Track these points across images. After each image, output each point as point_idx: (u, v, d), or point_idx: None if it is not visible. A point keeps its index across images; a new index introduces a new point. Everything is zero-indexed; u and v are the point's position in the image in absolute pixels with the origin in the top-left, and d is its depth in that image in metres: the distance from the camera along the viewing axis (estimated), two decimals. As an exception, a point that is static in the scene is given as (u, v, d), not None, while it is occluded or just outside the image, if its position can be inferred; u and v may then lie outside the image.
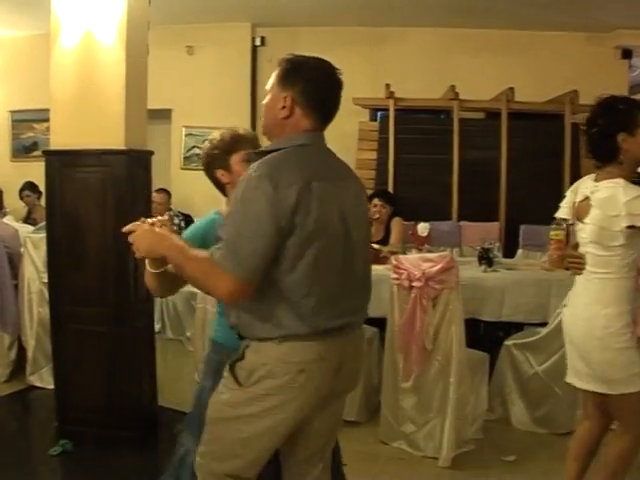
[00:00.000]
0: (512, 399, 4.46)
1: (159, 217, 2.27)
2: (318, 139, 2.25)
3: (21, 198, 7.68)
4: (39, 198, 7.51)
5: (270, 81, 2.27)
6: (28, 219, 7.36)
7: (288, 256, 2.07)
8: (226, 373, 2.22)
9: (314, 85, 2.20)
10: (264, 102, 2.28)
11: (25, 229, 5.77)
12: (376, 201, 6.07)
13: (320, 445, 2.38)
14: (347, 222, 2.19)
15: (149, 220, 2.23)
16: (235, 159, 2.57)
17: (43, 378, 5.14)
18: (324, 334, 2.13)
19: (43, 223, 4.78)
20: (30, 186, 7.57)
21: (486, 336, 5.08)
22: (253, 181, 2.04)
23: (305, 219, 2.04)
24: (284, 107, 2.18)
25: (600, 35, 7.82)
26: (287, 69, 2.21)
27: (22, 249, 5.28)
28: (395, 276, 4.09)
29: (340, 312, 2.18)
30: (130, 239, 2.18)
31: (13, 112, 8.90)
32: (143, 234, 2.17)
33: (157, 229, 2.19)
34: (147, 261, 2.25)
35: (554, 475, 3.77)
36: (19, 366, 5.36)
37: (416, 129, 7.79)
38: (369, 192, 6.72)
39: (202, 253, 2.10)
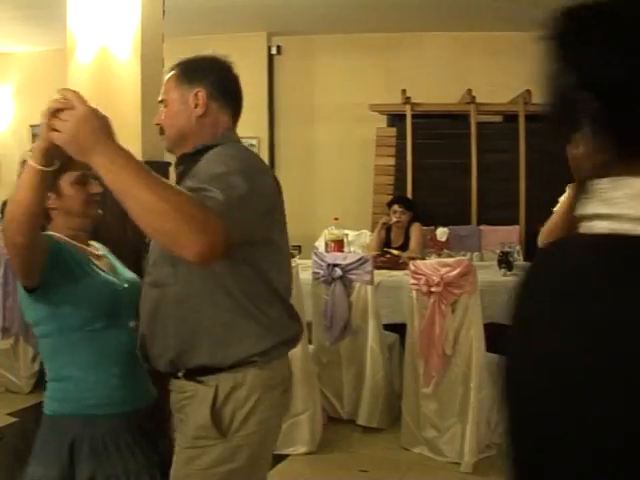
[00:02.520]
0: (534, 403, 4.43)
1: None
2: (235, 134, 2.08)
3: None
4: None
5: (163, 89, 2.10)
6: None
7: (264, 252, 1.88)
8: (197, 432, 1.83)
9: (224, 77, 2.05)
10: (162, 114, 2.09)
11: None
12: (396, 207, 6.08)
13: None
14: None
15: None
16: (65, 180, 2.12)
17: (67, 389, 5.18)
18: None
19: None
20: None
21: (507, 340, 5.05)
22: (254, 161, 1.95)
23: (278, 215, 1.95)
24: (197, 105, 1.97)
25: (617, 35, 7.77)
26: (188, 68, 2.05)
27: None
28: (414, 282, 4.09)
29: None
30: (57, 116, 1.65)
31: (34, 126, 8.99)
32: (83, 114, 1.66)
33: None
34: (35, 151, 1.74)
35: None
36: (42, 377, 5.38)
37: (433, 134, 7.77)
38: (388, 198, 6.74)
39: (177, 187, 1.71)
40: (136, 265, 2.56)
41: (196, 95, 1.98)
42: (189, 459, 1.84)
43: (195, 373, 1.85)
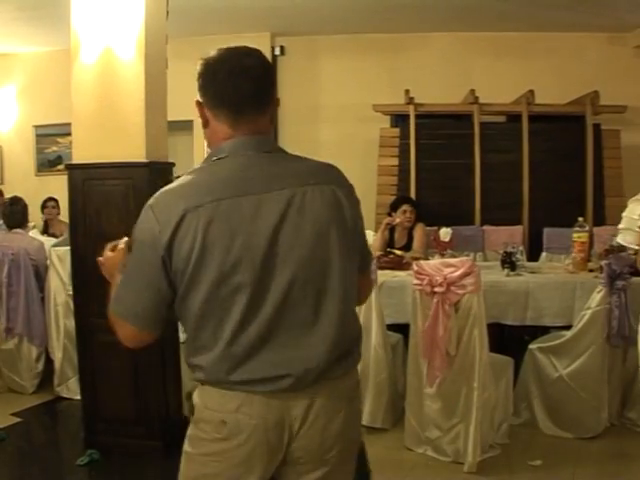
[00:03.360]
0: (537, 403, 4.43)
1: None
2: (241, 145, 1.80)
3: (44, 208, 7.72)
4: (58, 213, 7.59)
5: None
6: (47, 233, 7.40)
7: (180, 294, 1.76)
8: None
9: (211, 80, 1.83)
10: None
11: (49, 242, 5.84)
12: (406, 207, 6.09)
13: None
14: (276, 244, 1.73)
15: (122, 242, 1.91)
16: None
17: (70, 389, 5.21)
18: (241, 386, 1.75)
19: (65, 236, 4.84)
20: (54, 199, 7.63)
21: (511, 340, 5.06)
22: (142, 213, 1.76)
23: (184, 252, 1.69)
24: (200, 116, 1.88)
25: (621, 35, 7.76)
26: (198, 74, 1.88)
27: (47, 262, 5.36)
28: (417, 282, 4.09)
29: (258, 366, 1.74)
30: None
31: (37, 127, 9.02)
32: (109, 259, 1.92)
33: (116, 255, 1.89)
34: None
35: (580, 479, 3.76)
36: (47, 377, 5.42)
37: (437, 134, 7.77)
38: (391, 198, 6.75)
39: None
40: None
41: (197, 106, 1.89)
42: None
43: None
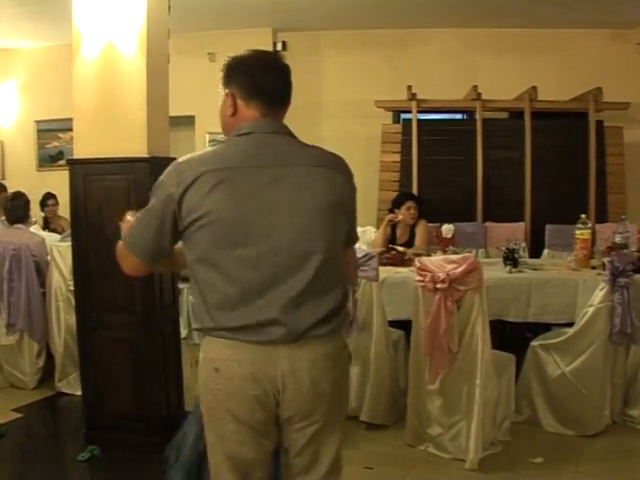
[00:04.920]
0: (539, 400, 4.42)
1: None
2: (265, 124, 2.12)
3: (42, 207, 7.70)
4: (57, 209, 7.58)
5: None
6: (48, 229, 7.39)
7: (190, 243, 2.06)
8: None
9: (249, 75, 2.14)
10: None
11: (51, 238, 5.84)
12: (410, 204, 6.06)
13: (302, 468, 2.19)
14: (279, 211, 2.01)
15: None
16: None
17: (71, 385, 5.20)
18: (235, 333, 2.01)
19: (68, 232, 4.82)
20: (53, 195, 7.61)
21: (513, 337, 5.05)
22: (168, 169, 2.10)
23: (195, 206, 1.99)
24: (227, 104, 2.16)
25: (624, 32, 7.74)
26: (225, 69, 2.19)
27: (49, 257, 5.35)
28: (419, 278, 4.07)
29: (253, 312, 2.00)
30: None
31: (39, 122, 9.02)
32: (128, 222, 2.23)
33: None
34: None
35: (582, 477, 3.75)
36: (48, 373, 5.42)
37: (439, 130, 7.78)
38: (393, 194, 6.73)
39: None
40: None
41: (227, 96, 2.17)
42: None
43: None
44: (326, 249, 2.06)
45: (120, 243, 2.19)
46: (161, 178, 2.09)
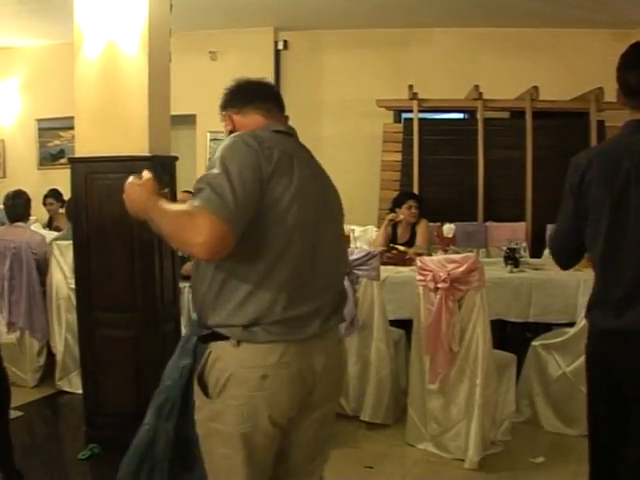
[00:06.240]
0: (540, 400, 4.42)
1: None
2: (285, 127, 2.25)
3: (44, 205, 7.71)
4: (62, 206, 7.55)
5: None
6: (50, 227, 7.40)
7: (258, 224, 1.96)
8: (196, 387, 2.09)
9: (244, 87, 2.31)
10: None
11: (52, 236, 5.83)
12: (411, 203, 6.06)
13: (307, 458, 2.24)
14: (321, 210, 2.13)
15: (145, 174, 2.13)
16: None
17: (72, 383, 5.20)
18: (279, 333, 1.99)
19: (66, 229, 4.83)
20: (54, 194, 7.59)
21: (514, 337, 5.05)
22: (239, 141, 2.01)
23: (278, 185, 1.98)
24: (226, 127, 2.29)
25: (625, 31, 7.72)
26: (222, 100, 2.33)
27: (49, 255, 5.35)
28: (420, 278, 4.07)
29: (298, 304, 2.03)
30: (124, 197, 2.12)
31: (40, 120, 9.02)
32: (130, 190, 2.10)
33: (139, 185, 2.08)
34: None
35: (583, 477, 3.71)
36: (48, 371, 5.43)
37: (440, 130, 7.77)
38: (394, 194, 6.73)
39: (180, 205, 1.96)
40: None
41: (224, 118, 2.31)
42: (197, 410, 2.10)
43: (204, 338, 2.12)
44: (343, 244, 2.34)
45: (175, 209, 1.94)
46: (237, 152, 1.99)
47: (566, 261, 2.78)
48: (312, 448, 2.23)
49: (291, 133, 2.23)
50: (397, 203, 6.14)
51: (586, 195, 2.35)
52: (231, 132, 2.22)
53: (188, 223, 1.83)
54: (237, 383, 1.99)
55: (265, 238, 1.96)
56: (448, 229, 5.67)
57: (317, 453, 2.26)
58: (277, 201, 1.97)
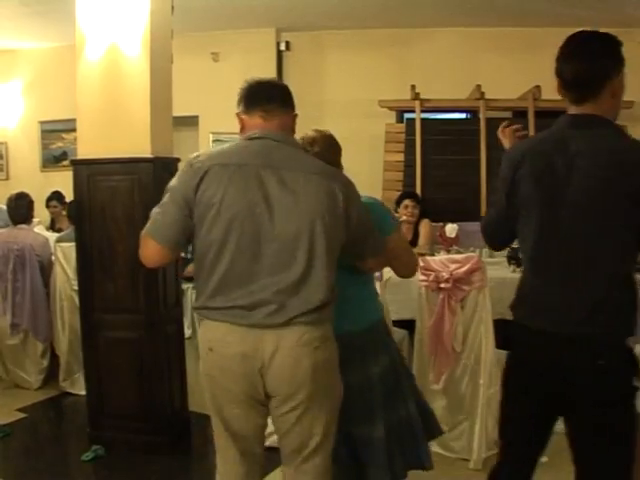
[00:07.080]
0: (543, 400, 4.41)
1: None
2: (268, 132, 2.40)
3: (47, 207, 7.71)
4: (64, 208, 7.54)
5: None
6: (53, 229, 7.39)
7: (195, 231, 2.31)
8: None
9: (246, 93, 2.49)
10: None
11: (54, 238, 5.84)
12: (407, 202, 6.06)
13: (291, 448, 2.42)
14: (272, 210, 2.27)
15: None
16: None
17: (76, 384, 5.21)
18: (223, 316, 2.29)
19: (69, 229, 4.83)
20: (57, 197, 7.59)
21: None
22: (187, 163, 2.36)
23: (206, 196, 2.25)
24: (239, 123, 2.49)
25: (628, 30, 7.65)
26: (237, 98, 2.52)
27: (52, 257, 5.35)
28: (423, 278, 4.07)
29: (240, 296, 2.27)
30: None
31: (42, 123, 9.02)
32: None
33: None
34: None
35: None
36: (52, 373, 5.43)
37: (443, 130, 7.75)
38: (397, 194, 6.72)
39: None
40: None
41: (237, 117, 2.50)
42: None
43: None
44: (310, 250, 2.27)
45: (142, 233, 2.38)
46: (178, 173, 2.37)
47: (500, 244, 2.84)
48: (293, 439, 2.39)
49: (272, 138, 2.38)
50: (397, 203, 6.16)
51: (517, 191, 2.34)
52: (241, 130, 2.46)
53: (141, 242, 2.39)
54: (201, 355, 2.40)
55: (203, 242, 2.30)
56: (451, 229, 5.66)
57: (302, 446, 2.39)
58: (208, 209, 2.26)
